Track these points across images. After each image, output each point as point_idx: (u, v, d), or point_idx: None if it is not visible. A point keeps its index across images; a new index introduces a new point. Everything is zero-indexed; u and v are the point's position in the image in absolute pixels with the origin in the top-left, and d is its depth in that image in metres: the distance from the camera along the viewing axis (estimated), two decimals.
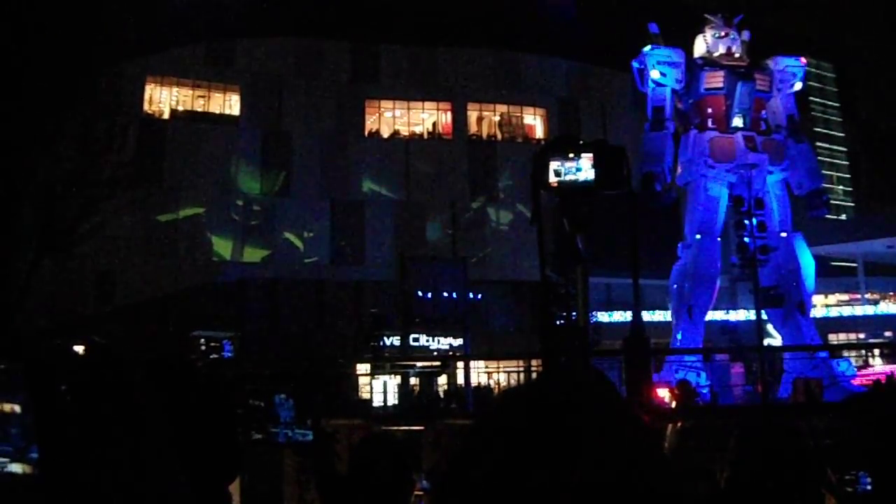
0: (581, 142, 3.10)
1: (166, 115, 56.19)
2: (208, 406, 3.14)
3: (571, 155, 3.02)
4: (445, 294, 47.96)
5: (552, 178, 2.97)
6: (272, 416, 4.38)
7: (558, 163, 3.00)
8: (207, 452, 3.06)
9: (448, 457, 1.52)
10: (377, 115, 61.58)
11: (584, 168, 3.02)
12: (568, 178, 3.01)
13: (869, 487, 4.83)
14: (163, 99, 56.74)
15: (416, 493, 4.57)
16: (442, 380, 38.60)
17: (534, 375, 31.33)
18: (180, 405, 3.12)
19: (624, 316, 42.71)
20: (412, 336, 45.06)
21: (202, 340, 39.31)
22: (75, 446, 1.68)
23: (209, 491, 3.08)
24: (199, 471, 3.09)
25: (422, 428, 23.69)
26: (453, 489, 1.42)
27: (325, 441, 4.60)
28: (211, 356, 37.16)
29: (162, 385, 3.30)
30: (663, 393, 17.84)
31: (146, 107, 55.03)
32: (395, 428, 21.72)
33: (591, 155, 2.99)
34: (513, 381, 36.59)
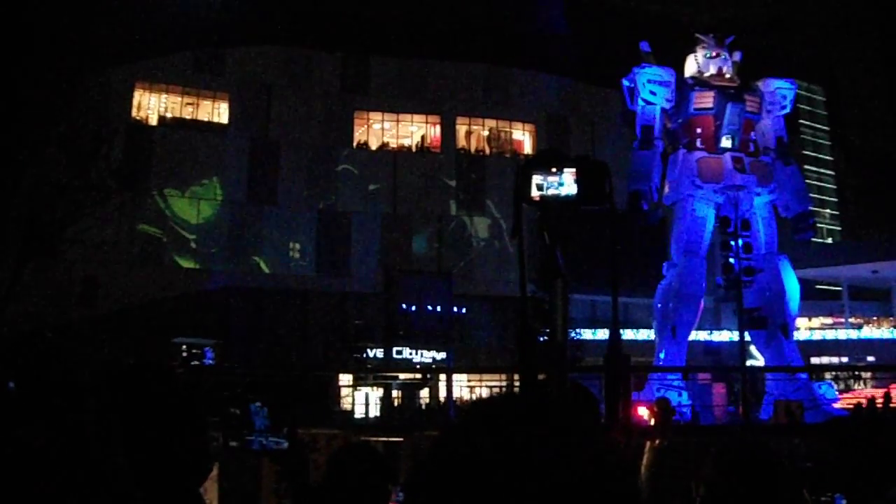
0: (564, 156, 3.11)
1: (154, 122, 56.06)
2: (181, 410, 3.12)
3: (554, 169, 3.02)
4: (430, 308, 48.04)
5: (534, 192, 2.98)
6: (247, 423, 4.37)
7: (541, 177, 3.01)
8: (178, 454, 3.04)
9: (413, 466, 1.51)
10: (366, 126, 61.61)
11: (566, 183, 3.02)
12: (550, 192, 3.01)
13: None
14: (151, 105, 56.61)
15: None
16: (424, 393, 38.56)
17: (516, 390, 31.27)
18: (153, 408, 3.10)
19: (608, 334, 42.72)
20: (395, 349, 45.10)
21: (184, 347, 39.27)
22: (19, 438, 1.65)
23: (179, 491, 3.05)
24: (170, 471, 3.07)
25: (401, 439, 23.67)
26: (417, 496, 1.42)
27: (300, 450, 4.59)
28: (192, 363, 37.10)
29: (137, 389, 3.29)
30: (643, 411, 17.84)
31: (134, 113, 54.88)
32: (375, 439, 21.69)
33: (573, 170, 3.00)
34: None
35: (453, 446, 1.42)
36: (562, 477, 1.34)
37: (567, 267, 3.41)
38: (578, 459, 1.37)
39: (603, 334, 47.12)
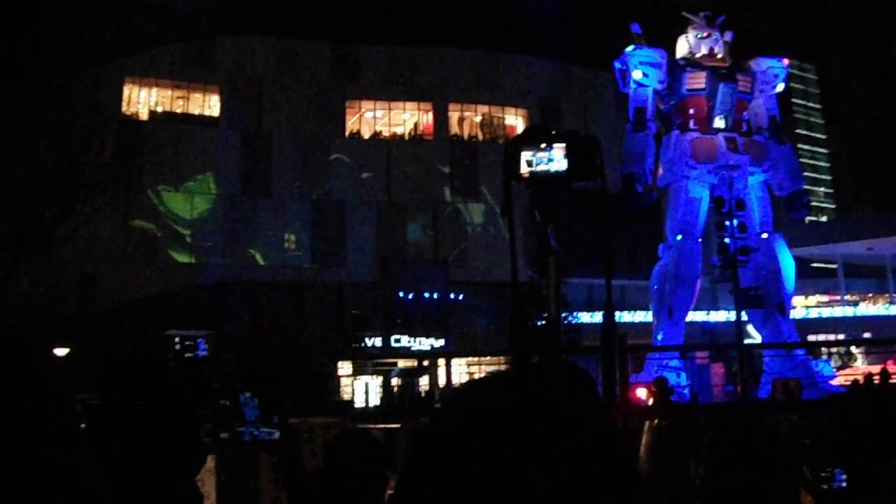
0: (553, 132, 3.07)
1: (145, 116, 55.91)
2: (174, 404, 3.10)
3: (543, 145, 2.98)
4: (427, 295, 48.07)
5: (524, 169, 2.94)
6: (238, 414, 4.34)
7: (530, 153, 2.97)
8: (172, 447, 3.02)
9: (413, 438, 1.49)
10: (358, 115, 61.52)
11: (556, 158, 2.98)
12: (540, 168, 2.97)
13: (844, 484, 4.81)
14: (141, 100, 56.49)
15: (390, 491, 4.51)
16: (424, 380, 38.60)
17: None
18: (147, 403, 3.08)
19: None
20: (394, 337, 45.12)
21: (177, 339, 39.27)
22: None
23: (174, 484, 3.03)
24: (165, 464, 3.05)
25: (399, 426, 23.70)
26: (417, 469, 1.39)
27: (291, 438, 4.57)
28: (185, 355, 37.13)
29: (130, 385, 3.27)
30: (642, 392, 17.90)
31: (125, 108, 54.68)
32: (374, 426, 21.71)
33: (563, 145, 2.96)
34: None
35: (442, 429, 1.39)
36: (555, 454, 1.30)
37: (561, 247, 3.37)
38: (572, 436, 1.34)
39: (600, 317, 47.08)
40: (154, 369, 3.32)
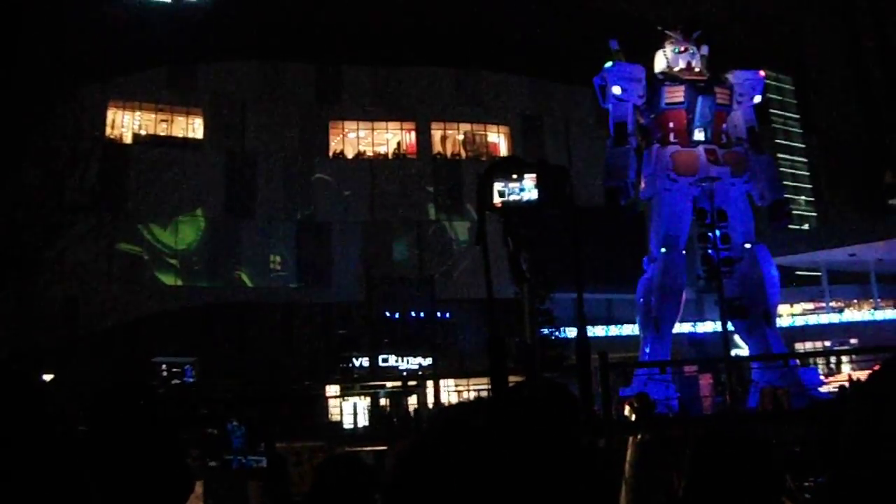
0: (524, 162, 3.17)
1: (129, 140, 55.81)
2: (161, 431, 3.16)
3: (515, 175, 3.08)
4: (413, 314, 48.00)
5: (497, 199, 3.03)
6: (226, 442, 4.39)
7: (502, 183, 3.07)
8: (159, 474, 3.08)
9: (388, 472, 1.56)
10: (341, 135, 61.55)
11: (527, 188, 3.08)
12: (512, 198, 3.07)
13: None
14: (125, 123, 56.37)
15: None
16: (412, 399, 38.54)
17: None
18: (134, 430, 3.13)
19: (592, 331, 42.78)
20: (381, 356, 45.01)
21: (163, 366, 39.08)
22: None
23: None
24: (152, 491, 3.10)
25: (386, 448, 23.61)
26: (398, 493, 1.46)
27: (279, 465, 4.60)
28: (173, 381, 36.94)
29: (117, 411, 3.32)
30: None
31: (108, 131, 54.59)
32: (362, 449, 21.65)
33: (534, 175, 3.06)
34: None
35: (421, 456, 1.46)
36: (529, 479, 1.37)
37: (541, 266, 3.47)
38: (545, 461, 1.41)
39: (590, 332, 47.09)
40: (142, 395, 3.36)
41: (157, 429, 3.22)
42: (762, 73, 35.42)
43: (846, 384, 30.97)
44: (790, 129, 76.55)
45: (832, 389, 31.73)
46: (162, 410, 3.31)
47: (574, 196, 3.51)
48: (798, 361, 33.78)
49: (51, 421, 1.81)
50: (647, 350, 32.14)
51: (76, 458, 1.89)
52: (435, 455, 1.43)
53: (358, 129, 61.86)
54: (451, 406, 1.57)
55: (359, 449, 20.75)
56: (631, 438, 6.32)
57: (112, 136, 54.80)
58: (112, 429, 3.21)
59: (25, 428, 1.75)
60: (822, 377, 34.82)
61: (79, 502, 1.83)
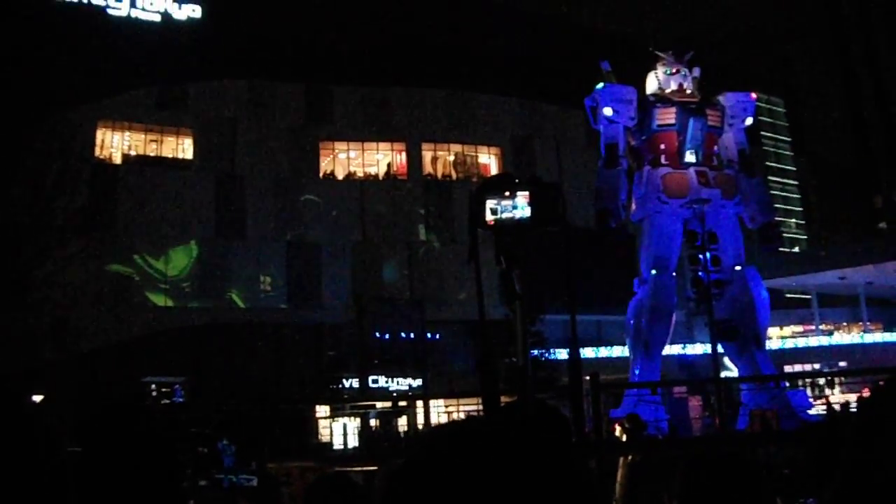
0: (517, 180, 3.13)
1: (118, 160, 55.76)
2: (153, 451, 3.12)
3: (507, 193, 3.05)
4: (403, 335, 47.97)
5: (489, 217, 3.00)
6: (217, 461, 4.35)
7: (494, 201, 3.04)
8: (151, 495, 3.03)
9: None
10: (331, 156, 61.63)
11: (520, 206, 3.04)
12: (504, 215, 3.04)
13: None
14: (114, 144, 56.34)
15: None
16: (403, 420, 38.41)
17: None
18: (126, 450, 3.09)
19: (582, 352, 42.71)
20: (371, 378, 44.95)
21: (153, 386, 38.99)
22: None
23: None
24: None
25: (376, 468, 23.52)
26: None
27: (269, 485, 4.57)
28: (162, 401, 36.85)
29: (109, 432, 3.27)
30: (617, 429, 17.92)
31: (98, 152, 54.49)
32: (352, 469, 21.56)
33: (526, 193, 3.03)
34: None
35: (413, 473, 1.43)
36: (522, 498, 1.35)
37: (531, 288, 3.44)
38: (539, 481, 1.38)
39: (581, 353, 47.07)
40: (135, 415, 3.32)
41: (151, 449, 3.18)
42: (754, 95, 35.56)
43: (836, 406, 30.98)
44: (781, 151, 76.91)
45: (821, 412, 31.72)
46: (156, 429, 3.27)
47: (567, 214, 3.48)
48: (787, 384, 33.77)
49: (38, 442, 1.77)
50: (637, 371, 32.11)
51: (61, 478, 1.85)
52: (427, 473, 1.40)
53: (348, 150, 61.94)
54: (441, 424, 1.54)
55: (349, 469, 20.67)
56: (622, 459, 6.28)
57: (101, 157, 54.72)
58: (107, 449, 3.17)
59: (13, 448, 1.71)
60: (810, 399, 34.80)
61: None
